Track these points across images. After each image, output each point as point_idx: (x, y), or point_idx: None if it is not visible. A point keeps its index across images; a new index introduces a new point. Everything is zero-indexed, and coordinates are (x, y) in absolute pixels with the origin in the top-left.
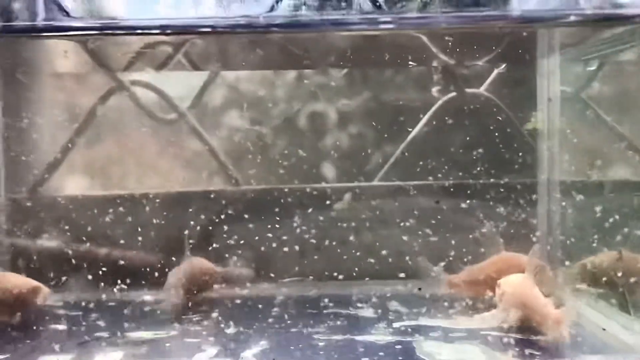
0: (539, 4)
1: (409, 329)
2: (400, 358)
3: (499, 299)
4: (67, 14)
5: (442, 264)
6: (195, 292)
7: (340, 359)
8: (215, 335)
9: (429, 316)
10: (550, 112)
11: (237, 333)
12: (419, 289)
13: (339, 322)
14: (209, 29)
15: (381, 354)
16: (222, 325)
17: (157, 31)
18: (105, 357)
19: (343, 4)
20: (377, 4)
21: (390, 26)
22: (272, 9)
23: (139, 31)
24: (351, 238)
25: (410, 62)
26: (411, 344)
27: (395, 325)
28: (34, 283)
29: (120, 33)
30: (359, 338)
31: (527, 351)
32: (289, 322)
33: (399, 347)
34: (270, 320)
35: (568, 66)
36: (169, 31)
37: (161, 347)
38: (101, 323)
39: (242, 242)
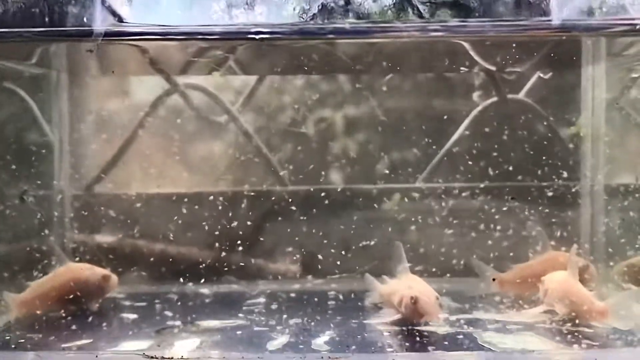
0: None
1: (465, 322)
2: (465, 347)
3: (543, 294)
4: (120, 20)
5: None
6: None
7: (412, 347)
8: (282, 325)
9: (482, 310)
10: (594, 117)
11: (300, 324)
12: None
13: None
14: (264, 35)
15: (445, 343)
16: (285, 316)
17: (215, 37)
18: (185, 343)
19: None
20: (419, 13)
21: (439, 34)
22: (313, 17)
23: (197, 37)
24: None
25: (452, 68)
26: (472, 334)
27: (452, 318)
28: (105, 271)
29: (178, 39)
30: (418, 329)
31: (582, 340)
32: (347, 314)
33: (460, 337)
34: (330, 312)
35: (613, 73)
36: (221, 37)
37: (233, 335)
38: (168, 313)
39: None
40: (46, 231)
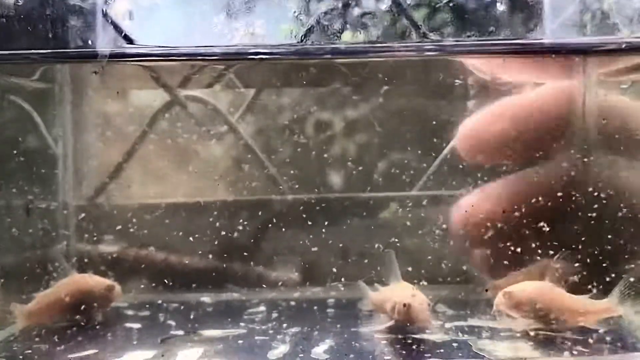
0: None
1: (460, 329)
2: (460, 355)
3: (509, 308)
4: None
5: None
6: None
7: (409, 355)
8: (282, 334)
9: (476, 318)
10: (583, 123)
11: (300, 332)
12: None
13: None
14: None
15: (441, 350)
16: (285, 325)
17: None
18: (187, 353)
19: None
20: (421, 31)
21: (434, 53)
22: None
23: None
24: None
25: (447, 80)
26: (466, 342)
27: (447, 325)
28: (108, 282)
29: (180, 59)
30: (415, 336)
31: (573, 347)
32: (346, 322)
33: (455, 344)
34: (328, 320)
35: (603, 83)
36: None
37: (235, 344)
38: (171, 322)
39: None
40: (50, 242)
